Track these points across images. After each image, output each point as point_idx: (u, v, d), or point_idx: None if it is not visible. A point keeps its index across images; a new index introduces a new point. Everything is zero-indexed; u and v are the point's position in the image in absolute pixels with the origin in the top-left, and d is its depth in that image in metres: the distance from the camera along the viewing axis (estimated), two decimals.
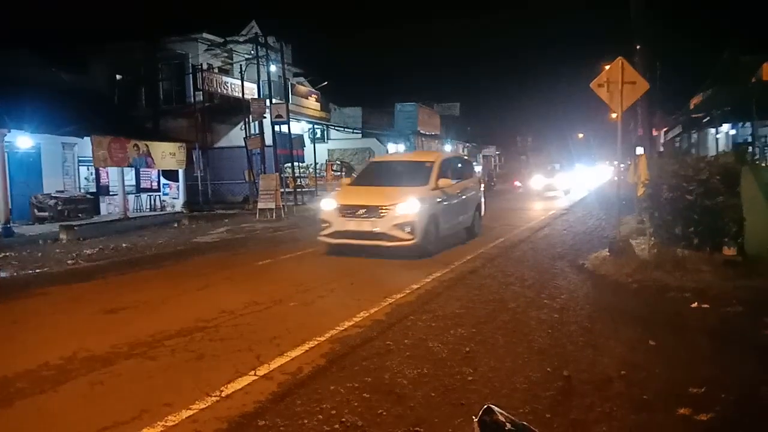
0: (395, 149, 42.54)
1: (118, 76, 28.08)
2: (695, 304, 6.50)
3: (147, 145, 21.11)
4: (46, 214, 18.55)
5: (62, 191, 19.91)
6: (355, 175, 14.47)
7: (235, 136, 27.65)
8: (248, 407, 4.10)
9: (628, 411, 3.90)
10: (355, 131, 40.73)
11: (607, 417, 3.81)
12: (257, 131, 24.59)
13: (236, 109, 26.88)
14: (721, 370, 4.62)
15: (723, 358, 4.96)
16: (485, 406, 1.05)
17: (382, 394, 4.27)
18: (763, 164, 10.75)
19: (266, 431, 3.75)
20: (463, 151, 58.07)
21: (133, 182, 23.64)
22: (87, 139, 18.87)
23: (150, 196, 24.49)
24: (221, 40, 29.33)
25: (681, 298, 6.86)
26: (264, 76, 25.41)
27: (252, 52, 25.79)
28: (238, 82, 26.99)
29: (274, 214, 20.56)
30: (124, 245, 13.45)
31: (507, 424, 1.06)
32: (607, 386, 4.33)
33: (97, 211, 21.28)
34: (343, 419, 3.86)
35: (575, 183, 35.88)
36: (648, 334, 5.57)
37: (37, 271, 10.38)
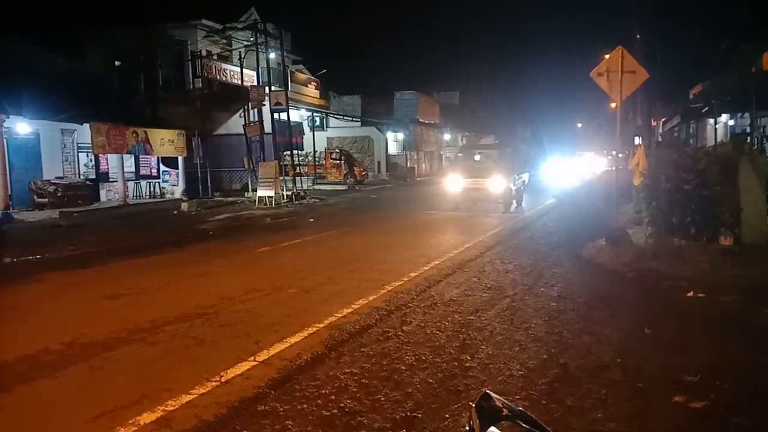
0: (394, 138, 42.56)
1: (116, 63, 27.94)
2: (691, 293, 6.54)
3: (146, 132, 21.09)
4: (46, 200, 18.55)
5: (62, 177, 19.91)
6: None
7: (234, 124, 27.57)
8: (247, 392, 4.14)
9: (624, 398, 3.94)
10: (354, 119, 40.71)
11: (602, 404, 3.85)
12: (256, 119, 24.52)
13: (235, 97, 26.77)
14: (716, 358, 4.66)
15: (718, 346, 4.99)
16: (483, 392, 1.08)
17: (381, 380, 4.32)
18: (762, 154, 10.77)
19: (265, 416, 3.78)
20: (461, 141, 57.84)
21: (133, 169, 23.65)
22: (86, 125, 18.88)
23: (149, 183, 24.48)
24: (220, 27, 29.16)
25: (677, 286, 6.90)
26: (263, 63, 25.27)
27: (251, 39, 25.65)
28: (238, 69, 26.88)
29: (273, 202, 20.62)
30: (123, 231, 13.47)
31: (504, 409, 1.08)
32: (602, 373, 4.37)
33: (97, 198, 21.28)
34: (342, 404, 3.90)
35: (545, 182, 25.08)
36: (644, 322, 5.62)
37: (37, 257, 10.39)
